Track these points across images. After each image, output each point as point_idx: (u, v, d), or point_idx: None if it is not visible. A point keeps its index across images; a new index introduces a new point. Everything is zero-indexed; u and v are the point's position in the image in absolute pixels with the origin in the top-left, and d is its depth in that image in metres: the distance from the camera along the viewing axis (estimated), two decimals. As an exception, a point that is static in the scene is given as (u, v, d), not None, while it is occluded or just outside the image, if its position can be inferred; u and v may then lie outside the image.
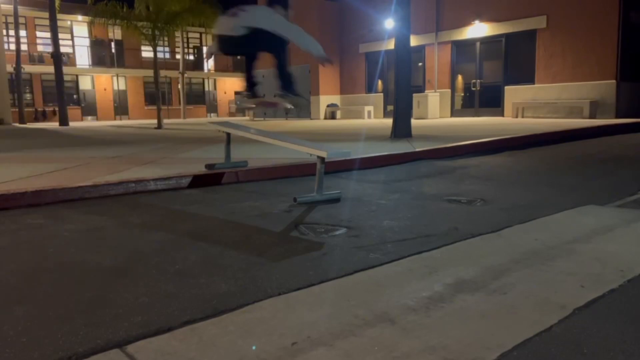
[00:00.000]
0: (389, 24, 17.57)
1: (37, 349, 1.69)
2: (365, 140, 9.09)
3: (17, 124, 23.09)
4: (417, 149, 7.14)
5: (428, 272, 2.40)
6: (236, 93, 5.41)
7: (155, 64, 16.74)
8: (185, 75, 31.74)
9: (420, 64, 18.94)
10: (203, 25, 17.71)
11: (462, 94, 18.11)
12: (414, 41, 13.12)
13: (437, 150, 7.29)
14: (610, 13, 13.84)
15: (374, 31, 19.94)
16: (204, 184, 5.10)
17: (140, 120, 27.95)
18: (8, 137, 13.07)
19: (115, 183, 4.67)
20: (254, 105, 5.22)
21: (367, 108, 20.34)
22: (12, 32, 25.77)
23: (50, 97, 28.08)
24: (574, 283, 2.23)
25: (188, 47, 35.07)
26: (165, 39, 18.46)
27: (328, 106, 21.99)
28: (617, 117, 13.80)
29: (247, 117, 28.66)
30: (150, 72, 26.25)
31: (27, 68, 26.87)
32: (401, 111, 9.63)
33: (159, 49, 23.05)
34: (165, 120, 20.10)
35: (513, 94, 16.20)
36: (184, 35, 31.98)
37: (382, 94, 20.67)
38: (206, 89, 36.91)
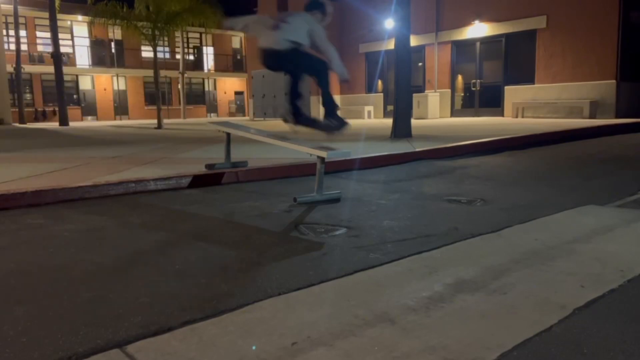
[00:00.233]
0: (389, 24, 17.57)
1: (37, 349, 1.69)
2: (365, 140, 9.09)
3: (17, 124, 23.10)
4: (417, 149, 7.14)
5: (428, 272, 2.40)
6: (286, 119, 4.85)
7: (155, 64, 16.74)
8: (185, 75, 31.75)
9: (420, 64, 18.94)
10: (203, 25, 17.70)
11: (462, 94, 18.11)
12: (414, 41, 13.12)
13: (437, 150, 7.28)
14: (610, 13, 13.84)
15: (374, 31, 19.94)
16: (204, 184, 5.10)
17: (140, 120, 27.96)
18: (8, 137, 13.07)
19: (115, 183, 4.67)
20: (295, 129, 5.10)
21: (367, 108, 20.34)
22: (12, 32, 25.78)
23: (50, 97, 28.09)
24: (574, 283, 2.23)
25: (188, 47, 35.07)
26: (165, 39, 18.44)
27: (328, 106, 21.96)
28: (617, 117, 13.80)
29: (246, 117, 28.66)
30: (150, 72, 26.26)
31: (27, 68, 26.89)
32: (401, 111, 9.63)
33: (159, 49, 23.05)
34: (165, 120, 20.10)
35: (513, 94, 16.20)
36: (184, 35, 31.97)
37: (382, 94, 20.67)
38: (206, 89, 36.91)
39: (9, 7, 24.47)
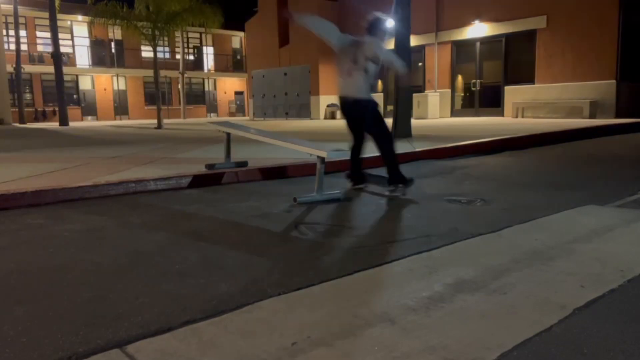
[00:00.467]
0: (389, 24, 17.56)
1: (37, 349, 1.69)
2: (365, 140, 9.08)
3: (17, 124, 23.10)
4: (417, 149, 7.13)
5: (428, 272, 2.40)
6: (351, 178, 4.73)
7: (155, 64, 16.74)
8: (185, 75, 31.75)
9: (420, 64, 18.93)
10: (203, 25, 17.69)
11: (462, 94, 18.11)
12: (414, 41, 13.11)
13: (437, 150, 7.28)
14: (610, 13, 13.84)
15: (374, 31, 19.92)
16: (204, 184, 5.10)
17: (140, 120, 27.96)
18: (8, 137, 13.07)
19: (115, 183, 4.67)
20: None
21: (367, 108, 20.32)
22: (12, 32, 25.77)
23: (50, 97, 28.08)
24: (574, 283, 2.23)
25: (188, 47, 35.08)
26: (165, 39, 18.44)
27: (328, 106, 21.98)
28: (617, 117, 13.79)
29: (246, 117, 28.67)
30: (150, 72, 26.27)
31: (27, 68, 26.88)
32: (401, 111, 9.63)
33: (159, 49, 23.08)
34: (165, 120, 20.10)
35: (513, 94, 16.19)
36: (184, 35, 31.98)
37: (382, 94, 20.67)
38: (206, 89, 36.91)
39: (9, 7, 24.47)
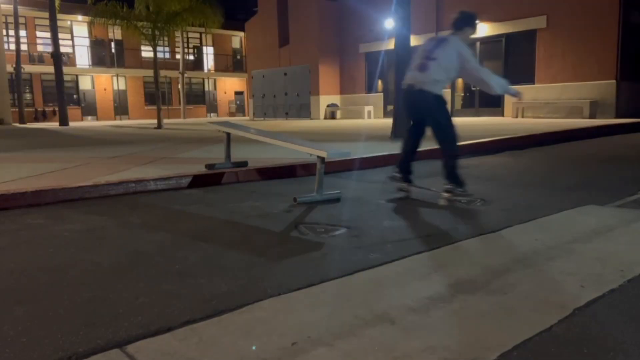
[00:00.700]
0: (389, 24, 17.57)
1: (37, 349, 1.69)
2: (365, 140, 9.09)
3: (17, 124, 23.11)
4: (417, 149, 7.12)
5: (428, 272, 2.40)
6: (393, 177, 4.56)
7: (155, 64, 16.74)
8: (185, 75, 31.75)
9: (420, 64, 18.91)
10: (203, 25, 17.69)
11: (462, 94, 18.11)
12: (414, 41, 13.09)
13: (437, 150, 7.26)
14: (610, 13, 13.84)
15: (374, 31, 19.94)
16: (204, 184, 5.10)
17: (140, 120, 27.96)
18: (8, 137, 13.07)
19: (115, 183, 4.67)
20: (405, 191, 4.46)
21: (367, 108, 20.35)
22: (12, 32, 25.77)
23: (50, 97, 28.09)
24: (574, 283, 2.23)
25: (188, 47, 35.08)
26: (165, 38, 18.45)
27: (328, 106, 21.99)
28: (617, 117, 13.79)
29: (246, 117, 28.66)
30: (150, 72, 26.26)
31: (27, 68, 26.89)
32: (401, 111, 9.61)
33: (159, 49, 23.09)
34: (165, 120, 20.10)
35: (513, 94, 16.18)
36: (184, 35, 31.98)
37: (382, 94, 20.66)
38: (206, 89, 36.91)
39: (9, 7, 24.48)
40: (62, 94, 20.77)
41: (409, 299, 2.07)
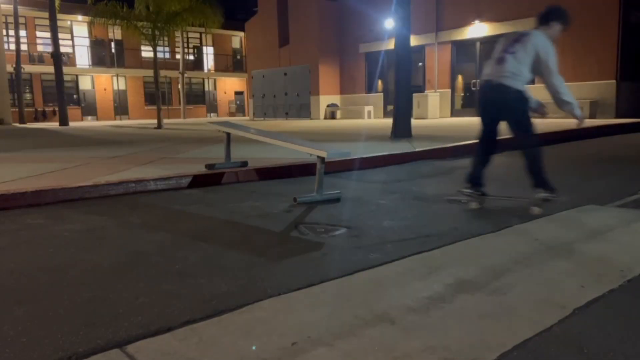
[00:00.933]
0: (389, 24, 17.57)
1: (37, 349, 1.69)
2: (365, 140, 9.09)
3: (17, 124, 23.11)
4: (417, 149, 7.13)
5: (428, 272, 2.40)
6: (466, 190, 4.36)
7: (155, 64, 16.74)
8: (185, 75, 31.75)
9: (420, 64, 18.92)
10: (203, 25, 17.69)
11: (462, 94, 18.11)
12: (414, 41, 13.12)
13: (437, 150, 7.28)
14: (610, 13, 13.83)
15: (374, 31, 19.94)
16: (204, 184, 5.10)
17: (140, 120, 27.96)
18: (8, 137, 13.07)
19: (115, 183, 4.67)
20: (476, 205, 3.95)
21: (367, 108, 20.35)
22: (12, 32, 25.77)
23: (50, 97, 28.08)
24: (574, 283, 2.23)
25: (188, 47, 35.07)
26: (165, 38, 18.45)
27: (328, 106, 21.99)
28: (617, 117, 13.79)
29: (246, 117, 28.66)
30: (150, 72, 26.25)
31: (27, 68, 26.89)
32: (401, 111, 9.63)
33: (159, 49, 23.09)
34: (165, 120, 20.10)
35: (513, 94, 16.18)
36: (184, 35, 31.97)
37: (382, 94, 20.66)
38: (206, 89, 36.91)
39: (9, 7, 24.47)
40: (62, 94, 20.78)
41: (409, 299, 2.07)
